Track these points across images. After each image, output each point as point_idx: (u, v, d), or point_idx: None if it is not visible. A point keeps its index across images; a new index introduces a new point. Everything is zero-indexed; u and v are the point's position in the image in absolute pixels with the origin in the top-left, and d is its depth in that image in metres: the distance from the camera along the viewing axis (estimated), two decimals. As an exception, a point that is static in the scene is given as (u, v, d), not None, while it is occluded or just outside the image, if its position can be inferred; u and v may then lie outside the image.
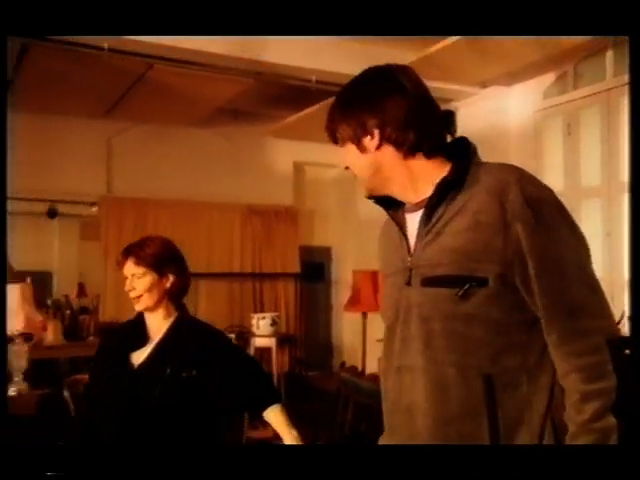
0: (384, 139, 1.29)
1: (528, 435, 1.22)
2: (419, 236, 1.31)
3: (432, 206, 1.28)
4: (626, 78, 5.16)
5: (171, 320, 2.28)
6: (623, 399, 1.15)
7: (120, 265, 2.26)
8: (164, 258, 2.27)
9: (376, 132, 1.29)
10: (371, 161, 1.32)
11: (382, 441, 1.44)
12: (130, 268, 2.21)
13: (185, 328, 2.31)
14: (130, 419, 2.14)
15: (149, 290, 2.21)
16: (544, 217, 1.20)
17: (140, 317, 2.31)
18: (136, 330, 2.29)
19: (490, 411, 1.20)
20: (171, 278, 2.26)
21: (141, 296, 2.21)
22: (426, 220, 1.29)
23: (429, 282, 1.26)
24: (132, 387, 2.16)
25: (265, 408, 2.33)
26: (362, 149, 1.32)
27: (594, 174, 5.45)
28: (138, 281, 2.19)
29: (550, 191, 1.27)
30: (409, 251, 1.33)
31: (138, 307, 2.25)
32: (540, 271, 1.20)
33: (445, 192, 1.26)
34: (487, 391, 1.20)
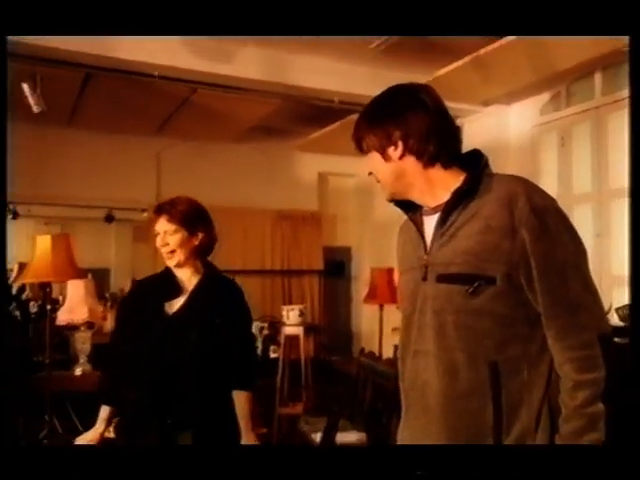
0: (407, 150, 1.29)
1: (527, 416, 1.21)
2: (435, 237, 1.30)
3: (448, 211, 1.27)
4: (613, 97, 5.12)
5: (200, 275, 2.13)
6: (612, 389, 1.15)
7: (152, 222, 2.10)
8: (194, 217, 2.14)
9: (400, 143, 1.29)
10: (394, 169, 1.31)
11: (403, 417, 1.42)
12: (163, 225, 2.07)
13: (215, 282, 2.17)
14: (167, 362, 2.01)
15: (181, 246, 2.06)
16: (548, 224, 1.19)
17: (168, 272, 2.14)
18: (167, 283, 2.12)
19: (495, 393, 1.19)
20: (200, 236, 2.13)
21: (174, 251, 2.06)
22: (442, 223, 1.28)
23: (443, 279, 1.25)
24: (169, 332, 2.03)
25: (234, 388, 2.15)
26: (386, 158, 1.31)
27: (585, 182, 5.41)
28: (170, 237, 2.05)
29: (553, 201, 1.26)
30: (426, 250, 1.32)
31: (171, 262, 2.09)
32: (542, 272, 1.19)
33: (460, 199, 1.26)
34: (492, 376, 1.20)
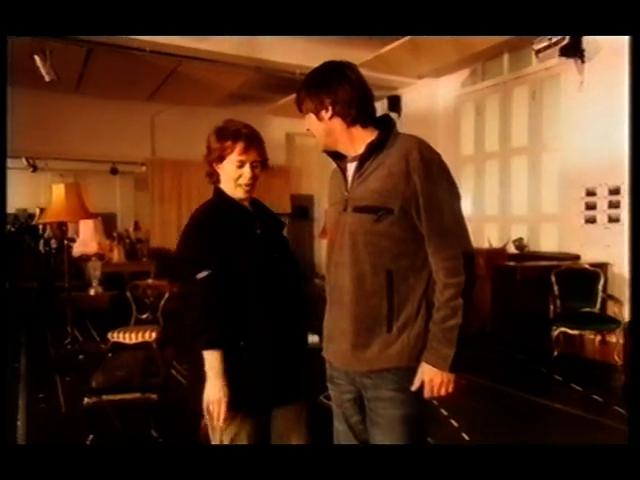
0: (335, 113, 1.31)
1: (411, 308, 1.30)
2: (353, 179, 1.35)
3: (363, 160, 1.31)
4: (517, 74, 5.18)
5: (250, 203, 1.64)
6: (468, 289, 1.27)
7: (245, 150, 1.53)
8: None
9: (330, 108, 1.31)
10: (325, 127, 1.34)
11: (327, 309, 1.46)
12: (254, 156, 1.55)
13: (266, 208, 1.71)
14: (283, 281, 1.58)
15: (258, 178, 1.59)
16: (432, 172, 1.25)
17: (228, 199, 1.59)
18: (241, 209, 1.59)
19: (389, 293, 1.28)
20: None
21: (254, 184, 1.57)
22: (359, 169, 1.33)
23: (358, 209, 1.31)
24: (264, 251, 1.55)
25: None
26: (320, 118, 1.33)
27: (494, 142, 5.55)
28: (256, 169, 1.56)
29: (438, 155, 1.30)
30: (347, 188, 1.37)
31: (245, 194, 1.57)
32: (426, 206, 1.26)
33: (372, 151, 1.30)
34: (388, 280, 1.29)
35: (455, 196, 1.32)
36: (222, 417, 1.41)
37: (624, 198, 4.25)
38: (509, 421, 2.82)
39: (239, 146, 1.52)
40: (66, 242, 4.31)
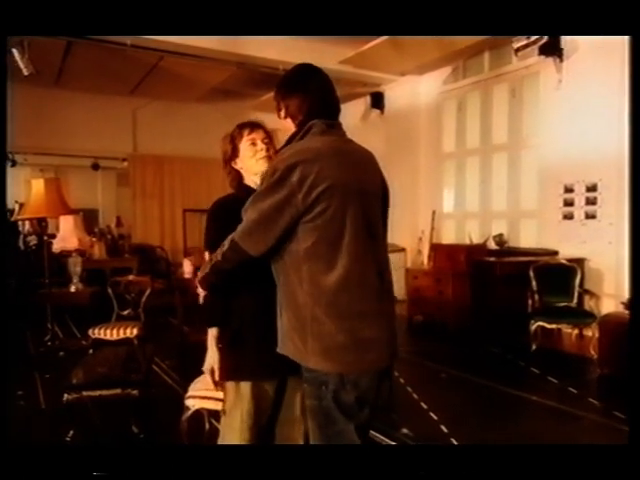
0: (287, 114, 1.47)
1: (284, 304, 1.41)
2: None
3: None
4: (497, 72, 5.25)
5: None
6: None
7: (252, 131, 1.72)
8: None
9: (284, 109, 1.48)
10: (283, 124, 1.50)
11: None
12: (262, 134, 1.72)
13: None
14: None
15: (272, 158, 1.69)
16: (273, 175, 1.34)
17: (246, 187, 1.72)
18: None
19: (279, 287, 1.43)
20: None
21: (271, 156, 1.68)
22: None
23: None
24: None
25: None
26: (279, 116, 1.50)
27: (475, 139, 5.60)
28: (268, 145, 1.71)
29: (277, 169, 1.34)
30: None
31: (265, 165, 1.67)
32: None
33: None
34: (277, 277, 1.44)
35: (269, 198, 1.34)
36: (215, 381, 1.58)
37: (601, 195, 4.34)
38: (487, 413, 2.87)
39: (246, 130, 1.72)
40: (46, 238, 4.26)
